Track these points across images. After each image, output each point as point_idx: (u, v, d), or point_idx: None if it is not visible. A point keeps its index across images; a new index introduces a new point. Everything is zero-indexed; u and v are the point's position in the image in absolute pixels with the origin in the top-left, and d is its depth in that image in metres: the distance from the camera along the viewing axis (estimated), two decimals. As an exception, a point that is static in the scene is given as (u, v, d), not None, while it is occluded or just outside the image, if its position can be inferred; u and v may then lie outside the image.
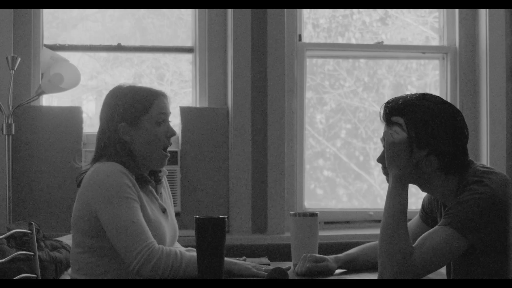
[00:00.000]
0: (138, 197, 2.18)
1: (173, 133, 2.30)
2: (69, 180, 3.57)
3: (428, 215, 2.26)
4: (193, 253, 2.13)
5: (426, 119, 2.03)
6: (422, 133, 2.02)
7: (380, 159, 2.09)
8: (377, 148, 4.02)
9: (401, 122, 2.04)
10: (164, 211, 2.31)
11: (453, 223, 1.94)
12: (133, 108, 2.25)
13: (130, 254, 2.07)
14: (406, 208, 2.00)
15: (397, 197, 1.99)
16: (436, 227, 1.98)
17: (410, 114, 2.04)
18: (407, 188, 2.02)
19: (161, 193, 2.35)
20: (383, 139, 2.07)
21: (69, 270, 2.32)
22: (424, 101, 2.06)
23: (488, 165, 2.14)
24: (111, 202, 2.11)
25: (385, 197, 2.02)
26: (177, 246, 2.42)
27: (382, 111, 2.11)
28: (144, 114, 2.25)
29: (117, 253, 2.14)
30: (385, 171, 2.07)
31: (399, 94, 2.16)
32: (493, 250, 1.97)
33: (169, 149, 2.32)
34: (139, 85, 2.34)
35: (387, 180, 2.07)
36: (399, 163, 2.00)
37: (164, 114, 2.28)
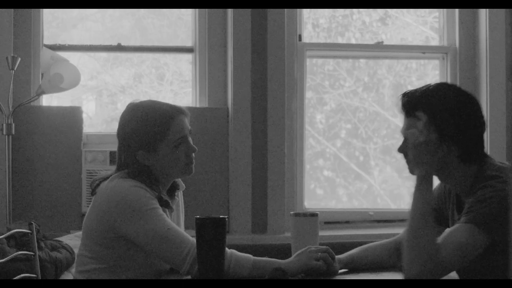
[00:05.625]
0: None
1: (193, 150, 2.27)
2: (69, 180, 3.57)
3: (438, 213, 2.26)
4: (244, 254, 2.15)
5: (448, 111, 2.05)
6: (445, 128, 2.03)
7: (402, 149, 2.11)
8: (377, 148, 4.03)
9: (424, 118, 2.05)
10: None
11: (476, 220, 1.95)
12: (150, 135, 2.21)
13: (177, 258, 2.09)
14: (432, 206, 2.02)
15: (422, 195, 2.00)
16: (458, 224, 1.99)
17: (432, 108, 2.05)
18: (432, 185, 2.04)
19: (172, 209, 2.36)
20: (405, 132, 2.08)
21: (73, 270, 2.33)
22: (443, 91, 2.08)
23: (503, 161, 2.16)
24: (140, 218, 2.12)
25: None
26: None
27: (400, 103, 2.12)
28: (162, 140, 2.22)
29: (123, 263, 2.17)
30: (408, 160, 2.08)
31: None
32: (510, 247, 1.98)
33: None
34: (157, 102, 2.29)
35: (409, 168, 2.09)
36: (426, 162, 2.02)
37: (182, 137, 2.24)
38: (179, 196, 2.42)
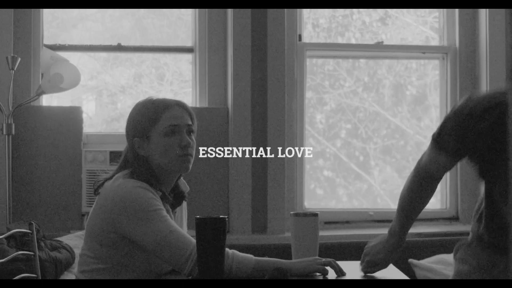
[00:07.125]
0: None
1: (186, 142, 2.24)
2: (69, 180, 3.57)
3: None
4: (245, 254, 2.15)
5: None
6: None
7: None
8: (377, 148, 4.02)
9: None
10: None
11: None
12: (142, 122, 2.25)
13: (179, 260, 2.10)
14: None
15: None
16: None
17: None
18: None
19: (175, 211, 2.36)
20: None
21: (75, 270, 2.34)
22: None
23: None
24: (143, 219, 2.13)
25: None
26: None
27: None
28: (152, 126, 2.24)
29: (126, 263, 2.18)
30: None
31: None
32: None
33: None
34: (158, 97, 2.32)
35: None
36: None
37: (174, 125, 2.24)
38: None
